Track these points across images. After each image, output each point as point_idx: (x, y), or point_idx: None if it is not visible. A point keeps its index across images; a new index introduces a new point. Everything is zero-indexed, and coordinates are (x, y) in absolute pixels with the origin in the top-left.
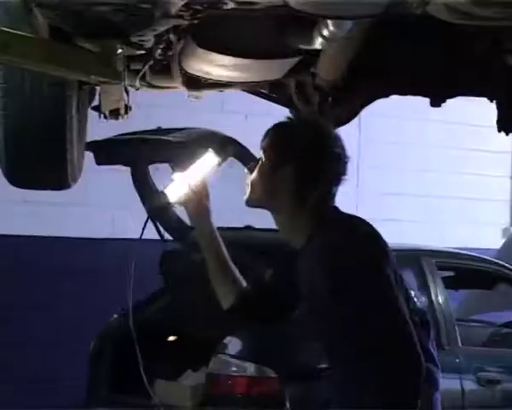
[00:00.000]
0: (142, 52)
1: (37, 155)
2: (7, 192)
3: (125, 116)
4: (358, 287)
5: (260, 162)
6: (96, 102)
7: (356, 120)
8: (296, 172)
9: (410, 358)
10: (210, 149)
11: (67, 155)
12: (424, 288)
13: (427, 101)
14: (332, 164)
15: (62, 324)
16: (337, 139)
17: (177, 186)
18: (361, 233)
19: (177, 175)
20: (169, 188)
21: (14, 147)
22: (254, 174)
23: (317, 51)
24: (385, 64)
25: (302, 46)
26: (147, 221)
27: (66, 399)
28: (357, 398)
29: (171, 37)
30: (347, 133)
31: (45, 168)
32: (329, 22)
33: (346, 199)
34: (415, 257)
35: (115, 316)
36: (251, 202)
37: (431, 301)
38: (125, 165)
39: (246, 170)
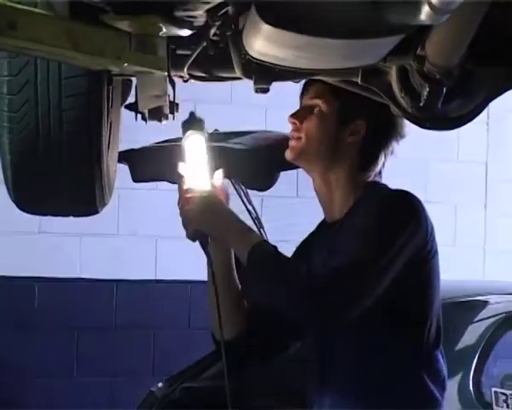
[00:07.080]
0: (192, 32)
1: (54, 170)
2: None
3: (171, 116)
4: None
5: (318, 109)
6: (131, 100)
7: (483, 116)
8: (368, 129)
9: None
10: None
11: (95, 171)
12: None
13: None
14: (401, 125)
15: None
16: None
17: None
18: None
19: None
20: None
21: (24, 160)
22: (312, 123)
23: (426, 28)
24: None
25: (405, 21)
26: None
27: None
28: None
29: (230, 10)
30: (471, 133)
31: (65, 188)
32: None
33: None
34: None
35: (159, 385)
36: (299, 156)
37: None
38: (174, 182)
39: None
